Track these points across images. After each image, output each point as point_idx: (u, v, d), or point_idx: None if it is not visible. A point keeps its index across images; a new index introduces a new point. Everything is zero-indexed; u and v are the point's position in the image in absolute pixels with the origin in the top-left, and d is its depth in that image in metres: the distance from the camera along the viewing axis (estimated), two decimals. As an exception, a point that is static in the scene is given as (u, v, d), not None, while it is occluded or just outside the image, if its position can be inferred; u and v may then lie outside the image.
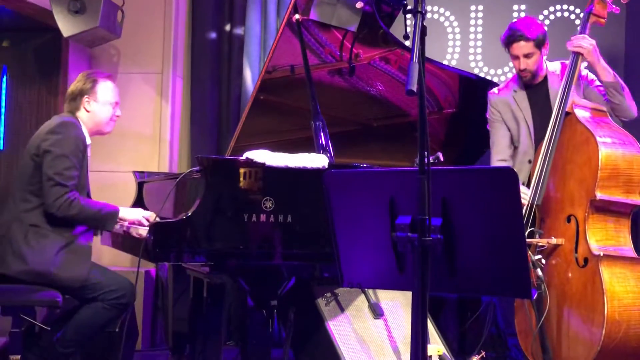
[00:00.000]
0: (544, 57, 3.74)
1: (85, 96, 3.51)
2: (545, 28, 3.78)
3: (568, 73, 3.49)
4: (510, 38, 3.66)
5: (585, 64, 3.68)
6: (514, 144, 3.85)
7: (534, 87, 3.78)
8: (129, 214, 3.44)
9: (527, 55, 3.65)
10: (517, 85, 3.80)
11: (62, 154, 3.30)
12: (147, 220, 3.41)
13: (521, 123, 3.78)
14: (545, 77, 3.75)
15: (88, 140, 3.51)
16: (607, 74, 3.54)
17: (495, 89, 3.95)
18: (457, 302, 4.11)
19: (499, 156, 3.85)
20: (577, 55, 3.50)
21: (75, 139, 3.37)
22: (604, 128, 3.34)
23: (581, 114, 3.38)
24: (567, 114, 3.41)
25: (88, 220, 3.35)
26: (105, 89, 3.55)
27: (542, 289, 3.29)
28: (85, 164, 3.45)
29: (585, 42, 3.49)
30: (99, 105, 3.53)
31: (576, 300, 3.23)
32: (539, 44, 3.64)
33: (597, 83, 3.68)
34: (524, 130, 3.77)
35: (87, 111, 3.52)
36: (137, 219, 3.41)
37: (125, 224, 3.42)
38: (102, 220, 3.36)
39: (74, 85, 3.57)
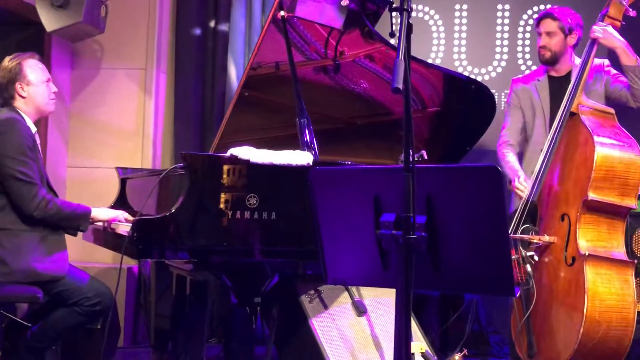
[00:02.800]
0: (572, 52, 3.78)
1: (17, 83, 3.36)
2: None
3: (578, 73, 3.49)
4: (540, 16, 3.79)
5: (607, 61, 3.72)
6: (527, 133, 3.87)
7: (557, 79, 3.81)
8: (102, 214, 3.42)
9: (549, 34, 3.72)
10: (541, 74, 3.84)
11: (17, 152, 3.22)
12: (119, 219, 3.40)
13: (537, 112, 3.80)
14: (570, 72, 3.77)
15: (33, 129, 3.39)
16: (628, 57, 3.57)
17: (520, 76, 3.99)
18: (439, 299, 4.13)
19: (507, 138, 3.88)
20: (591, 47, 3.53)
21: (22, 134, 3.26)
22: (605, 130, 3.33)
23: (585, 114, 3.38)
24: (572, 114, 3.42)
25: (64, 220, 3.31)
26: (34, 69, 3.40)
27: (530, 285, 3.31)
28: (38, 156, 3.36)
29: (598, 27, 3.53)
30: (33, 88, 3.38)
31: (561, 298, 3.25)
32: (564, 29, 3.71)
33: (619, 75, 3.71)
34: (539, 120, 3.80)
35: (23, 97, 3.37)
36: (111, 217, 3.39)
37: (100, 224, 3.40)
38: (77, 220, 3.33)
39: (0, 76, 3.41)
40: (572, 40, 3.74)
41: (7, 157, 3.21)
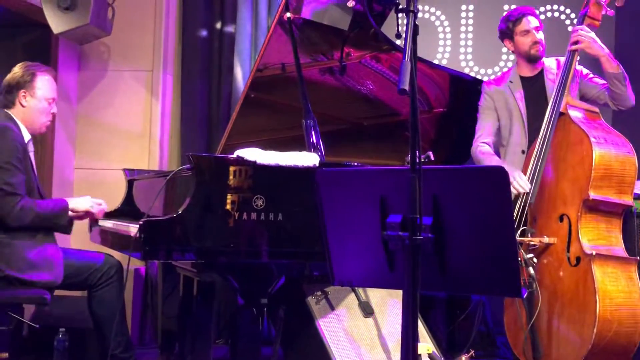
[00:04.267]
0: None
1: (22, 90, 3.39)
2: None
3: (563, 72, 3.51)
4: (522, 13, 3.79)
5: (578, 58, 3.72)
6: (504, 136, 3.86)
7: (530, 79, 3.82)
8: (78, 204, 3.44)
9: (537, 29, 3.75)
10: (513, 77, 3.84)
11: (4, 162, 3.23)
12: (99, 205, 3.46)
13: (514, 114, 3.80)
14: (542, 71, 3.78)
15: (27, 137, 3.41)
16: (611, 64, 3.57)
17: (491, 79, 3.99)
18: (446, 300, 4.13)
19: (483, 139, 3.87)
20: (572, 54, 3.54)
21: (13, 144, 3.28)
22: (597, 129, 3.36)
23: (575, 114, 3.40)
24: (561, 114, 3.43)
25: (44, 222, 3.33)
26: (44, 84, 3.43)
27: (534, 288, 3.31)
28: (29, 164, 3.38)
29: (583, 36, 3.53)
30: (35, 101, 3.41)
31: (567, 299, 3.25)
32: (541, 25, 3.79)
33: (591, 75, 3.72)
34: (517, 121, 3.80)
35: (23, 106, 3.40)
36: (87, 207, 3.43)
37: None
38: (56, 218, 3.35)
39: (10, 77, 3.43)
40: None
41: None
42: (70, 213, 3.39)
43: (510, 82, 3.83)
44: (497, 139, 3.89)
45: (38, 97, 3.41)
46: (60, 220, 3.36)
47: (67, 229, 3.43)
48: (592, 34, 3.54)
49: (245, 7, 4.90)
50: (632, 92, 3.64)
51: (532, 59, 3.78)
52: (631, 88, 3.63)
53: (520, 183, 3.44)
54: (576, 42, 3.53)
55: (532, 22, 3.75)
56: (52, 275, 3.27)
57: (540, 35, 3.75)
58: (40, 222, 3.31)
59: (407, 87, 1.74)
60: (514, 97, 3.80)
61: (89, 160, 4.94)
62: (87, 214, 3.47)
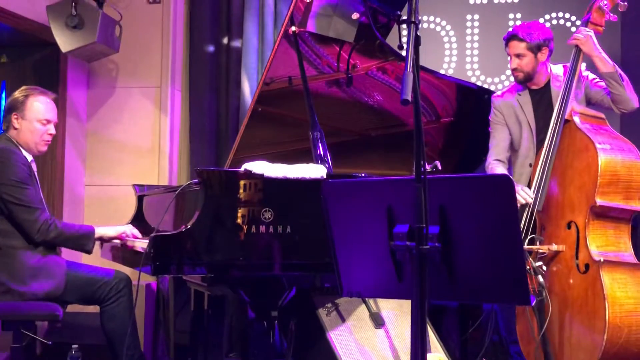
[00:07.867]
0: (547, 62, 3.77)
1: (14, 113, 3.42)
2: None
3: (568, 75, 3.52)
4: (507, 36, 3.77)
5: (584, 65, 3.71)
6: (515, 148, 3.87)
7: (537, 90, 3.81)
8: (109, 231, 3.49)
9: (518, 56, 3.72)
10: (521, 88, 3.84)
11: (14, 180, 3.29)
12: (126, 234, 3.48)
13: (524, 126, 3.80)
14: (549, 81, 3.78)
15: (29, 157, 3.45)
16: (605, 64, 3.57)
17: (499, 92, 3.99)
18: (458, 310, 4.11)
19: (496, 156, 3.87)
20: (577, 54, 3.54)
21: (17, 164, 3.33)
22: (603, 135, 3.36)
23: (580, 120, 3.40)
24: (567, 121, 3.43)
25: (67, 242, 3.38)
26: (35, 106, 3.43)
27: (544, 296, 3.30)
28: (35, 183, 3.42)
29: (580, 34, 3.55)
30: (26, 123, 3.42)
31: (577, 307, 3.23)
32: (533, 48, 3.69)
33: (597, 80, 3.71)
34: (526, 133, 3.80)
35: (15, 128, 3.43)
36: (118, 233, 3.47)
37: (117, 242, 3.46)
38: (81, 240, 3.39)
39: (8, 100, 3.49)
40: (542, 56, 3.72)
41: (5, 185, 3.29)
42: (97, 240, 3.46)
43: (519, 94, 3.83)
44: (511, 153, 3.88)
45: (29, 119, 3.43)
46: (86, 244, 3.41)
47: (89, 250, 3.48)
48: (591, 33, 3.54)
49: (251, 22, 4.93)
50: (634, 94, 3.63)
51: (516, 82, 3.81)
52: (631, 89, 3.62)
53: (522, 194, 3.45)
54: (577, 47, 3.54)
55: (511, 48, 3.72)
56: (53, 284, 3.31)
57: (522, 61, 3.69)
58: (64, 241, 3.38)
59: (409, 97, 1.75)
60: (523, 109, 3.80)
61: (99, 177, 4.97)
62: (118, 238, 3.50)
